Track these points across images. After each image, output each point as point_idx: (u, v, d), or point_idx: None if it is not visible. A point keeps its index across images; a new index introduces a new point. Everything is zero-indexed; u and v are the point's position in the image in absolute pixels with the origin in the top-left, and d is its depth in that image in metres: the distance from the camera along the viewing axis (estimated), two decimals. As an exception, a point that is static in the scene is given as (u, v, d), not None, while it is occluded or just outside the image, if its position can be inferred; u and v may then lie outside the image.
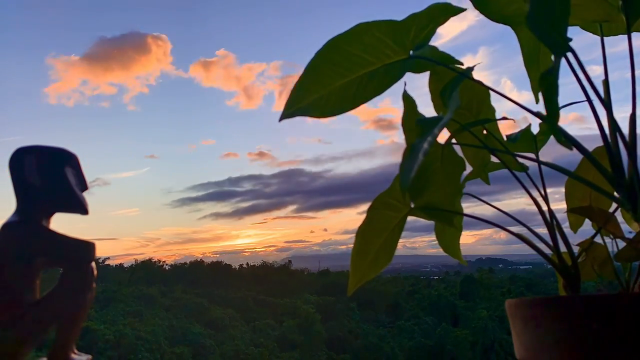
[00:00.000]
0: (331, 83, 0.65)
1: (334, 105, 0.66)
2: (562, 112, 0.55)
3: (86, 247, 0.68)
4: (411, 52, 0.65)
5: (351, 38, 0.63)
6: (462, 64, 0.66)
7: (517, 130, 0.73)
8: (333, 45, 0.63)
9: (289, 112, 0.66)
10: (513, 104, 0.61)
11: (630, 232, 0.62)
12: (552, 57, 0.62)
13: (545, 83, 0.51)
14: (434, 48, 0.65)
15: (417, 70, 0.67)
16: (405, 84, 0.68)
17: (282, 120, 0.66)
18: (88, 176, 0.72)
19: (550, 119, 0.53)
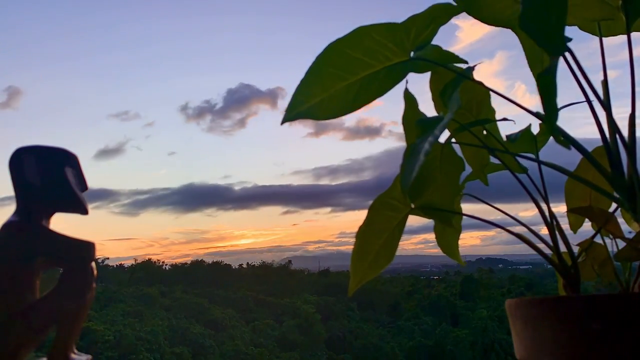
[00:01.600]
0: (332, 86, 0.65)
1: (336, 107, 0.67)
2: (561, 113, 0.55)
3: (86, 247, 0.68)
4: (412, 53, 0.65)
5: (351, 41, 0.63)
6: (466, 62, 0.66)
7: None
8: (333, 48, 0.64)
9: (291, 115, 0.66)
10: (518, 107, 0.61)
11: (630, 232, 0.62)
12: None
13: (542, 84, 0.51)
14: (437, 47, 0.65)
15: (419, 71, 0.68)
16: (407, 82, 0.69)
17: (283, 124, 0.66)
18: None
19: (548, 119, 0.53)
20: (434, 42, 0.66)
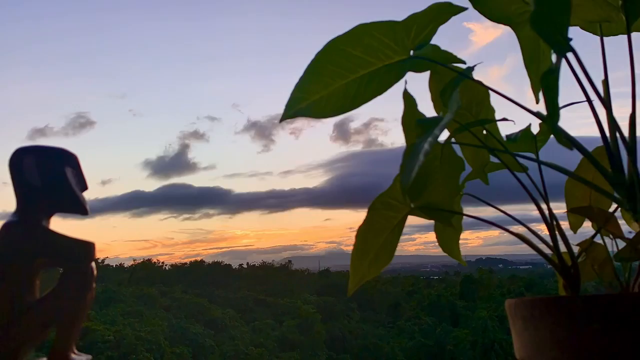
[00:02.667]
0: (331, 84, 0.65)
1: (335, 105, 0.66)
2: (562, 112, 0.55)
3: (86, 247, 0.68)
4: (412, 52, 0.65)
5: (351, 39, 0.63)
6: (464, 62, 0.66)
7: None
8: (333, 46, 0.64)
9: (290, 113, 0.66)
10: (519, 107, 0.61)
11: (630, 232, 0.62)
12: (553, 57, 0.62)
13: (546, 83, 0.51)
14: (436, 47, 0.65)
15: (418, 69, 0.68)
16: (406, 83, 0.69)
17: (282, 121, 0.66)
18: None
19: (550, 119, 0.53)
20: (442, 43, 0.66)
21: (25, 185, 0.67)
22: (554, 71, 0.50)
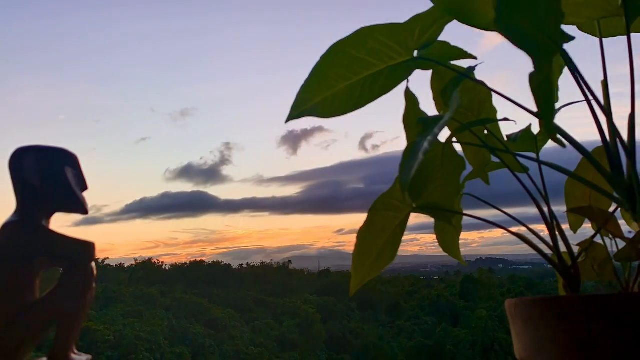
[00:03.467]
0: (336, 85, 0.66)
1: (339, 106, 0.68)
2: (562, 112, 0.55)
3: (86, 247, 0.68)
4: (416, 52, 0.65)
5: (354, 42, 0.64)
6: (475, 57, 0.66)
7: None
8: (337, 49, 0.64)
9: (296, 113, 0.67)
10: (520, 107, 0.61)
11: (630, 232, 0.62)
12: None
13: (535, 83, 0.51)
14: (445, 43, 0.66)
15: (423, 68, 0.68)
16: (408, 82, 0.69)
17: (288, 122, 0.67)
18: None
19: (544, 118, 0.53)
20: (453, 41, 0.66)
21: (25, 185, 0.67)
22: (540, 71, 0.50)
